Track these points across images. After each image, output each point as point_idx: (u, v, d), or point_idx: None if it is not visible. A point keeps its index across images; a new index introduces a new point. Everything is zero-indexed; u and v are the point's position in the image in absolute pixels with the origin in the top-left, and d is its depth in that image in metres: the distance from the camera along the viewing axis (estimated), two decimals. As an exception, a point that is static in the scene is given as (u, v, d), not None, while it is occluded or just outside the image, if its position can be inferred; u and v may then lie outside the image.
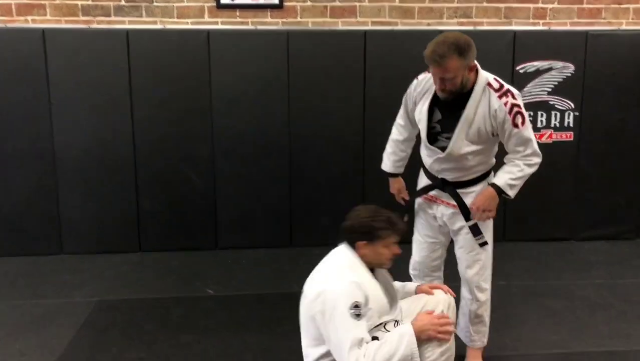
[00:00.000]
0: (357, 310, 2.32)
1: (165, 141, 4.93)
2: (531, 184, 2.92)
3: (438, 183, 2.94)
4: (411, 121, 3.01)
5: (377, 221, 2.53)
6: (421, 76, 2.90)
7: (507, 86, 2.71)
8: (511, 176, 2.75)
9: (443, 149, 2.80)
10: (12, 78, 4.74)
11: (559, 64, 4.97)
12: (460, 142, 2.73)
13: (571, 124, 5.07)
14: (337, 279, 2.42)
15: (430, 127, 2.81)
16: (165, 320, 3.75)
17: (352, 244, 2.57)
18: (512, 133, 2.68)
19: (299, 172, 5.08)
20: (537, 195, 4.90)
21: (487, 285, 3.06)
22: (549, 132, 5.07)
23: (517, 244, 5.10)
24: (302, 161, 5.07)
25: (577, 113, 5.05)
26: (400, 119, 3.11)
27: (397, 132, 3.14)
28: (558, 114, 5.05)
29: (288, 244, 5.14)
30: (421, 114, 2.82)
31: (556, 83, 5.01)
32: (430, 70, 2.66)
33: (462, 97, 2.69)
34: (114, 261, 4.86)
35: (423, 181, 3.08)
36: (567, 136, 5.10)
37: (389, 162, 3.22)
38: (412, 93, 2.94)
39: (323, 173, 5.11)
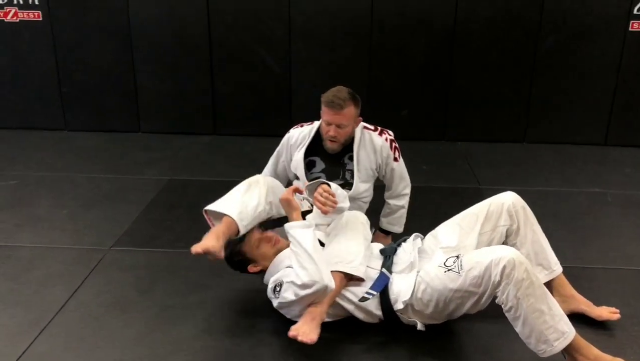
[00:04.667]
0: None
1: (240, 19, 4.69)
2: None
3: None
4: (278, 175, 3.07)
5: None
6: (293, 130, 2.99)
7: (379, 127, 2.91)
8: (402, 221, 3.06)
9: None
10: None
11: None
12: (361, 184, 2.86)
13: None
14: None
15: (313, 178, 2.83)
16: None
17: None
18: (394, 167, 2.91)
19: (379, 60, 4.72)
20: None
21: None
22: None
23: (622, 150, 4.63)
24: (384, 48, 4.69)
25: None
26: (267, 171, 3.13)
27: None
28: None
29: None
30: (298, 164, 2.88)
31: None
32: (326, 118, 2.74)
33: (344, 148, 2.85)
34: (188, 142, 4.86)
35: None
36: None
37: None
38: (287, 145, 2.99)
39: (405, 62, 4.72)
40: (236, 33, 4.73)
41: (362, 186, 2.88)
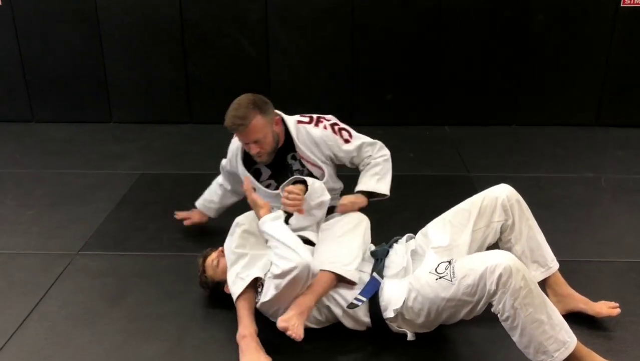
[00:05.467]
0: None
1: (213, 1, 4.44)
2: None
3: None
4: (230, 181, 2.86)
5: None
6: (230, 147, 2.73)
7: (315, 115, 2.62)
8: (374, 175, 2.63)
9: None
10: None
11: None
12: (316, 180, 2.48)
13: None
14: None
15: (266, 185, 2.65)
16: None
17: None
18: (348, 148, 2.59)
19: (361, 42, 4.51)
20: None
21: None
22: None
23: (614, 131, 4.49)
24: (366, 29, 4.47)
25: None
26: (220, 179, 2.95)
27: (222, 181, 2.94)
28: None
29: (347, 122, 4.65)
30: (244, 177, 2.60)
31: None
32: (239, 140, 2.50)
33: (281, 150, 2.58)
34: (163, 131, 4.64)
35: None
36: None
37: (201, 199, 3.03)
38: (226, 172, 2.82)
39: (389, 43, 4.51)
40: (210, 15, 4.48)
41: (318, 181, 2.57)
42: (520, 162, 3.98)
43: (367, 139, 2.66)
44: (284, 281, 2.06)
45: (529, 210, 2.36)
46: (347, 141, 2.59)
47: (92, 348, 2.23)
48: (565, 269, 2.40)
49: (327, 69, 4.61)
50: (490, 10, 4.39)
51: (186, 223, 3.03)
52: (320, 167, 2.59)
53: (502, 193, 2.33)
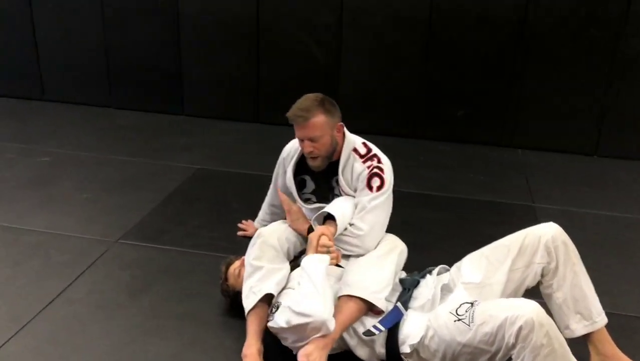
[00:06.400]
0: None
1: (288, 4, 4.42)
2: None
3: None
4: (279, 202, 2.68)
5: None
6: (288, 145, 2.62)
7: (375, 151, 2.41)
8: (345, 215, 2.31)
9: None
10: None
11: None
12: None
13: None
14: None
15: (305, 199, 2.52)
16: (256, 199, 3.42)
17: None
18: (364, 199, 2.32)
19: (437, 52, 4.31)
20: None
21: None
22: None
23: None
24: (443, 39, 4.28)
25: None
26: (268, 196, 2.90)
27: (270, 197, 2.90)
28: None
29: (412, 135, 4.53)
30: (290, 182, 2.53)
31: None
32: (296, 134, 2.36)
33: (332, 165, 2.41)
34: (229, 128, 4.68)
35: None
36: None
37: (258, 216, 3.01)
38: (281, 159, 2.67)
39: (465, 56, 4.29)
40: (285, 19, 4.46)
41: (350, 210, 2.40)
42: (594, 198, 3.62)
43: (377, 222, 2.32)
44: (295, 321, 1.96)
45: (577, 254, 2.11)
46: (369, 188, 2.33)
47: (104, 340, 2.24)
48: (614, 325, 2.14)
49: (397, 79, 4.45)
50: (578, 30, 4.06)
51: (239, 233, 3.02)
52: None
53: (547, 233, 2.10)
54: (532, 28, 4.11)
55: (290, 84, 4.62)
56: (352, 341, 2.10)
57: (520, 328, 1.70)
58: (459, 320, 1.87)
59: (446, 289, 2.18)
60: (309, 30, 4.44)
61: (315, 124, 2.27)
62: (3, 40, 5.00)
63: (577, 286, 2.08)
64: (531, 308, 1.74)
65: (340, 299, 2.09)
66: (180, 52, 4.73)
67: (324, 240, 2.14)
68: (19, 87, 5.14)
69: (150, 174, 3.77)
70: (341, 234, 2.29)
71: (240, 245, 2.63)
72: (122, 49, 4.83)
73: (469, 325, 1.83)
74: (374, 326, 2.05)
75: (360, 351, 2.10)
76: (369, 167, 2.35)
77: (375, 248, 2.32)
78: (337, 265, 2.25)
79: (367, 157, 2.38)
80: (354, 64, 4.48)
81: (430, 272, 2.27)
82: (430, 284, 2.19)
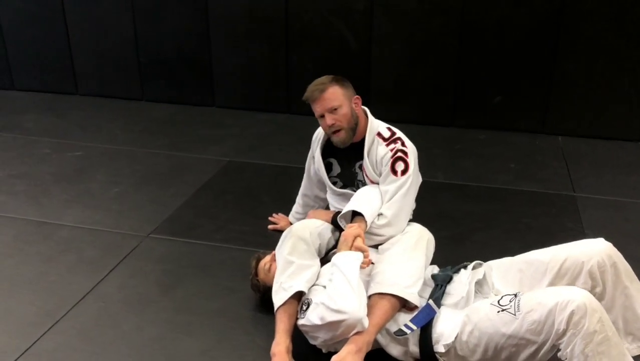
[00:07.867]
0: None
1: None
2: None
3: None
4: (312, 180, 2.76)
5: None
6: (316, 132, 2.63)
7: (399, 134, 2.42)
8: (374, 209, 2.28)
9: None
10: None
11: None
12: None
13: None
14: None
15: (333, 182, 2.55)
16: (287, 192, 3.35)
17: None
18: (388, 180, 2.33)
19: (472, 37, 4.17)
20: None
21: None
22: None
23: None
24: (477, 23, 4.13)
25: None
26: (302, 188, 2.88)
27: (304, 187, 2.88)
28: None
29: (448, 124, 4.40)
30: (319, 165, 2.57)
31: None
32: (316, 112, 2.39)
33: (355, 148, 2.43)
34: (260, 119, 4.64)
35: None
36: None
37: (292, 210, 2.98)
38: (313, 141, 2.66)
39: (501, 41, 4.13)
40: (314, 6, 4.37)
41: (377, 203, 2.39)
42: (639, 186, 3.47)
43: (403, 207, 2.31)
44: (330, 318, 1.90)
45: (631, 274, 1.96)
46: (394, 173, 2.32)
47: (135, 335, 2.23)
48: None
49: (431, 65, 4.33)
50: (622, 10, 3.86)
51: (270, 227, 2.98)
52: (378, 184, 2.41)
53: (592, 257, 1.91)
54: (570, 9, 3.93)
55: (322, 73, 4.51)
56: (384, 340, 2.03)
57: (572, 313, 1.61)
58: (503, 310, 1.79)
59: (480, 286, 2.10)
60: (340, 17, 4.34)
61: (331, 95, 2.33)
62: (36, 36, 5.05)
63: (629, 309, 1.94)
64: (583, 294, 1.66)
65: (371, 299, 2.02)
66: (210, 42, 4.70)
67: (359, 243, 2.08)
68: (52, 81, 5.20)
69: (181, 167, 3.76)
70: (371, 226, 2.25)
71: (272, 239, 2.59)
72: (152, 41, 4.83)
73: (514, 314, 1.75)
74: (406, 325, 1.97)
75: (393, 349, 2.04)
76: (392, 150, 2.35)
77: (401, 240, 2.24)
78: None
79: (390, 140, 2.39)
80: (386, 51, 4.37)
81: (465, 267, 2.18)
82: (464, 280, 2.10)
